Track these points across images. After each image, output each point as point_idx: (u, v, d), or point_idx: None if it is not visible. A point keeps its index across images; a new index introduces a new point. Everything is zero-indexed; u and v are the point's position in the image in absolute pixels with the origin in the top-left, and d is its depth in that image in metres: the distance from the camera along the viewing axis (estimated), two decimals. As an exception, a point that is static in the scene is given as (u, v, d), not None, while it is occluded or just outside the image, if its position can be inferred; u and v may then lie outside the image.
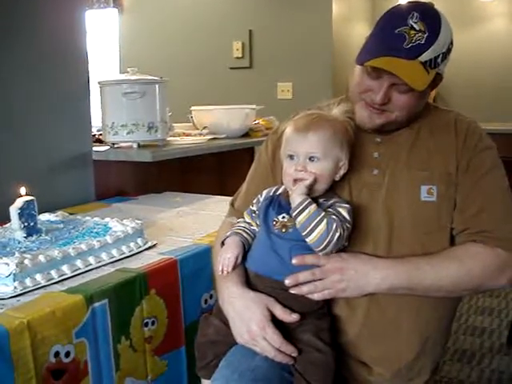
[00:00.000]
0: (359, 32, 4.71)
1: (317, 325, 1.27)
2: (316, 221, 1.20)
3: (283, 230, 1.27)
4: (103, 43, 5.24)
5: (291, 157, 1.28)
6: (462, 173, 1.32)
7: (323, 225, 1.20)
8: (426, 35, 1.23)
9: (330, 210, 1.25)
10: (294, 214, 1.23)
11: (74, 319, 1.24)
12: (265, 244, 1.28)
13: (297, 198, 1.23)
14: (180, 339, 1.54)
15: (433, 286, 1.28)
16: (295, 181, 1.26)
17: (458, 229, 1.31)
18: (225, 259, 1.30)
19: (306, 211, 1.21)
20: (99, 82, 2.44)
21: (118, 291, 1.35)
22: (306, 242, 1.23)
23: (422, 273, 1.26)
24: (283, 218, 1.27)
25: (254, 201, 1.37)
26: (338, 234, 1.21)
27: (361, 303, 1.30)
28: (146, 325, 1.43)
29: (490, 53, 4.48)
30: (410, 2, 1.32)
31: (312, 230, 1.21)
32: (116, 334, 1.35)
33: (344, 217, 1.25)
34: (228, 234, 1.35)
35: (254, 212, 1.36)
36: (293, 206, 1.24)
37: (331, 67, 4.33)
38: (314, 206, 1.22)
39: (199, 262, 1.60)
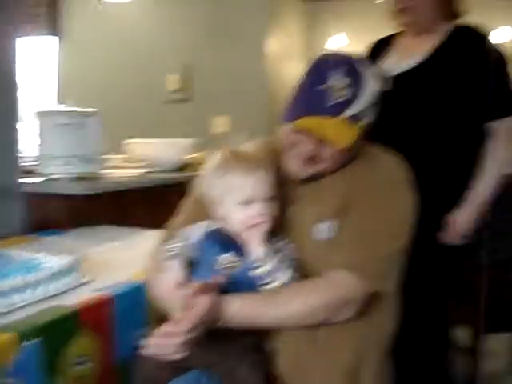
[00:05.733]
0: (294, 69, 4.81)
1: (253, 358, 1.26)
2: (280, 272, 1.21)
3: (228, 271, 1.24)
4: (43, 71, 5.17)
5: (247, 203, 1.23)
6: (352, 205, 1.31)
7: (286, 276, 1.21)
8: (350, 91, 1.25)
9: (282, 254, 1.24)
10: (254, 265, 1.21)
11: (4, 358, 1.20)
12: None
13: (258, 248, 1.21)
14: (113, 378, 1.51)
15: (278, 325, 1.27)
16: (252, 226, 1.23)
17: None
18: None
19: (270, 263, 1.20)
20: (36, 113, 2.40)
21: (50, 329, 1.32)
22: (251, 281, 1.21)
23: (264, 317, 1.23)
24: (227, 258, 1.24)
25: (181, 234, 1.32)
26: (294, 280, 1.23)
27: (288, 336, 1.30)
28: (79, 364, 1.40)
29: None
30: (337, 55, 1.32)
31: (273, 281, 1.21)
32: (48, 373, 1.31)
33: (294, 259, 1.26)
34: (168, 255, 1.30)
35: (186, 246, 1.29)
36: (255, 257, 1.21)
37: (268, 102, 4.41)
38: (276, 256, 1.22)
39: (135, 299, 1.58)
